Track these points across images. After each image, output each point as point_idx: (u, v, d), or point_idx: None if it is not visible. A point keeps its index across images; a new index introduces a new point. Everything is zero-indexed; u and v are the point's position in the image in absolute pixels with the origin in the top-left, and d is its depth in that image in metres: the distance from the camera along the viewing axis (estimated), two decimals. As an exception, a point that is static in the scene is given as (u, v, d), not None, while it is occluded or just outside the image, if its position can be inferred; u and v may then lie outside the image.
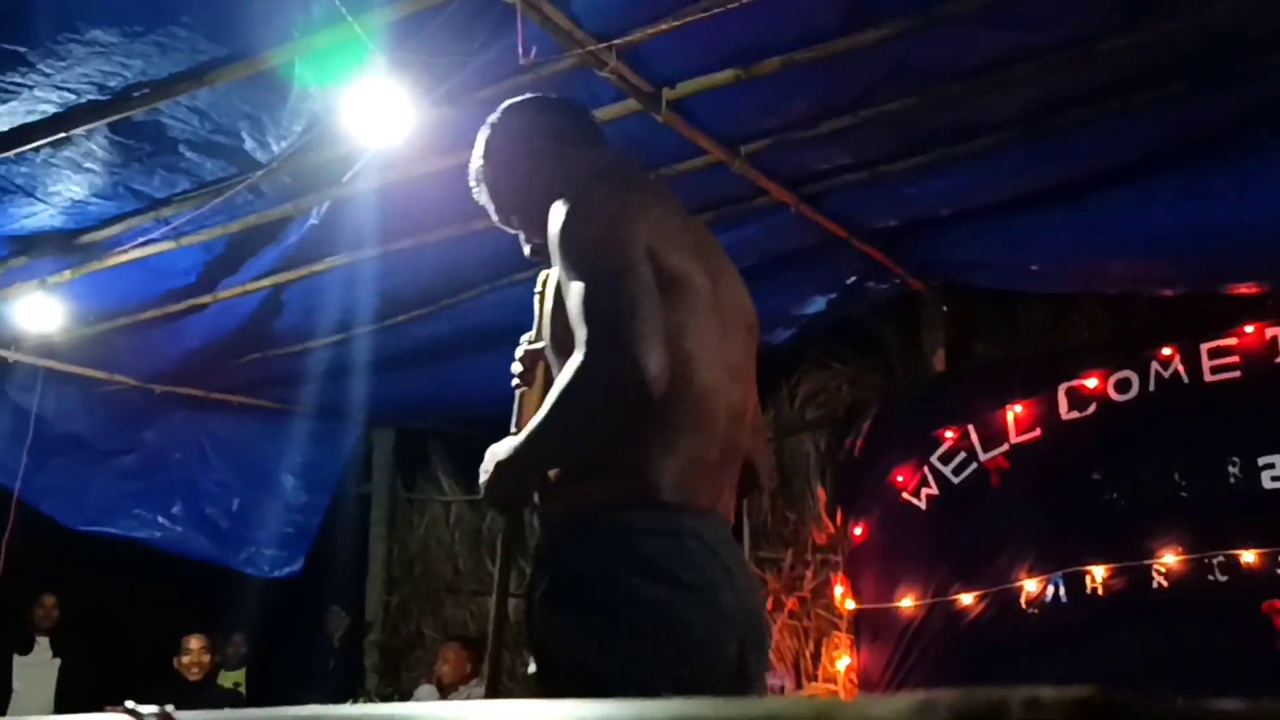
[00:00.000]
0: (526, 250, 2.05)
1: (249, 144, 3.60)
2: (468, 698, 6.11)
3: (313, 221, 4.21)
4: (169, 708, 0.57)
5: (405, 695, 6.64)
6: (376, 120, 3.23)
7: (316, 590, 7.04)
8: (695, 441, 1.66)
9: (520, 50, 3.04)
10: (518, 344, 1.99)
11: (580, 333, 1.59)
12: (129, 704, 0.58)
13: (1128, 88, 3.64)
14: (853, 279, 5.21)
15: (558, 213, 1.73)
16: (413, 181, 3.94)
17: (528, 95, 2.15)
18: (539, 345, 1.91)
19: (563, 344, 1.68)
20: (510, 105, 2.10)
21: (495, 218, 2.07)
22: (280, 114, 3.47)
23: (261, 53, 3.15)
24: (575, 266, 1.65)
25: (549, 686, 1.65)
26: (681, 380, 1.62)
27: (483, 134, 2.08)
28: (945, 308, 5.44)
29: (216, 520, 6.29)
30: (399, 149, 3.53)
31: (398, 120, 3.22)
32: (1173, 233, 4.32)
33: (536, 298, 1.94)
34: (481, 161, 2.06)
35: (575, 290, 1.63)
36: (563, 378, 1.60)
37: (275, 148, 3.63)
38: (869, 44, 3.29)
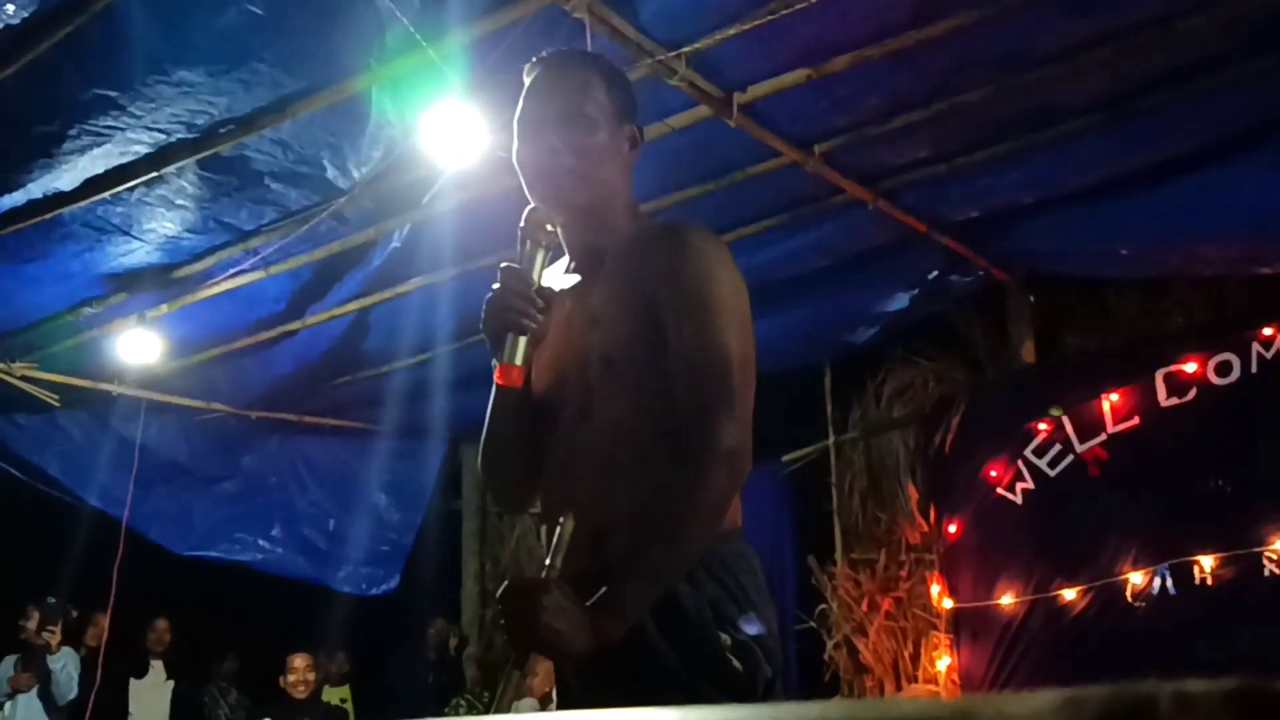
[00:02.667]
0: (538, 241, 1.73)
1: (331, 172, 3.69)
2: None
3: (395, 244, 4.29)
4: None
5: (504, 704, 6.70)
6: (453, 142, 3.28)
7: (413, 606, 7.15)
8: None
9: (590, 64, 3.06)
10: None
11: (709, 419, 1.53)
12: None
13: (1210, 66, 3.54)
14: (935, 273, 5.14)
15: (709, 249, 1.64)
16: (489, 200, 3.99)
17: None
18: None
19: (629, 374, 1.62)
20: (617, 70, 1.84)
21: (550, 180, 1.74)
22: (360, 141, 3.55)
23: (340, 83, 3.23)
24: (721, 334, 1.58)
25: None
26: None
27: (591, 72, 1.77)
28: (1032, 298, 5.34)
29: (314, 541, 6.43)
30: (475, 169, 3.58)
31: (473, 141, 3.27)
32: (1265, 210, 4.18)
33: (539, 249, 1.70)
34: (586, 108, 1.73)
35: (712, 361, 1.57)
36: (697, 488, 1.53)
37: (356, 174, 3.72)
38: (940, 36, 3.25)
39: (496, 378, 1.66)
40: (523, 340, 1.64)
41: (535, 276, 1.68)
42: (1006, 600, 4.84)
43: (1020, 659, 4.76)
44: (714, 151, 3.90)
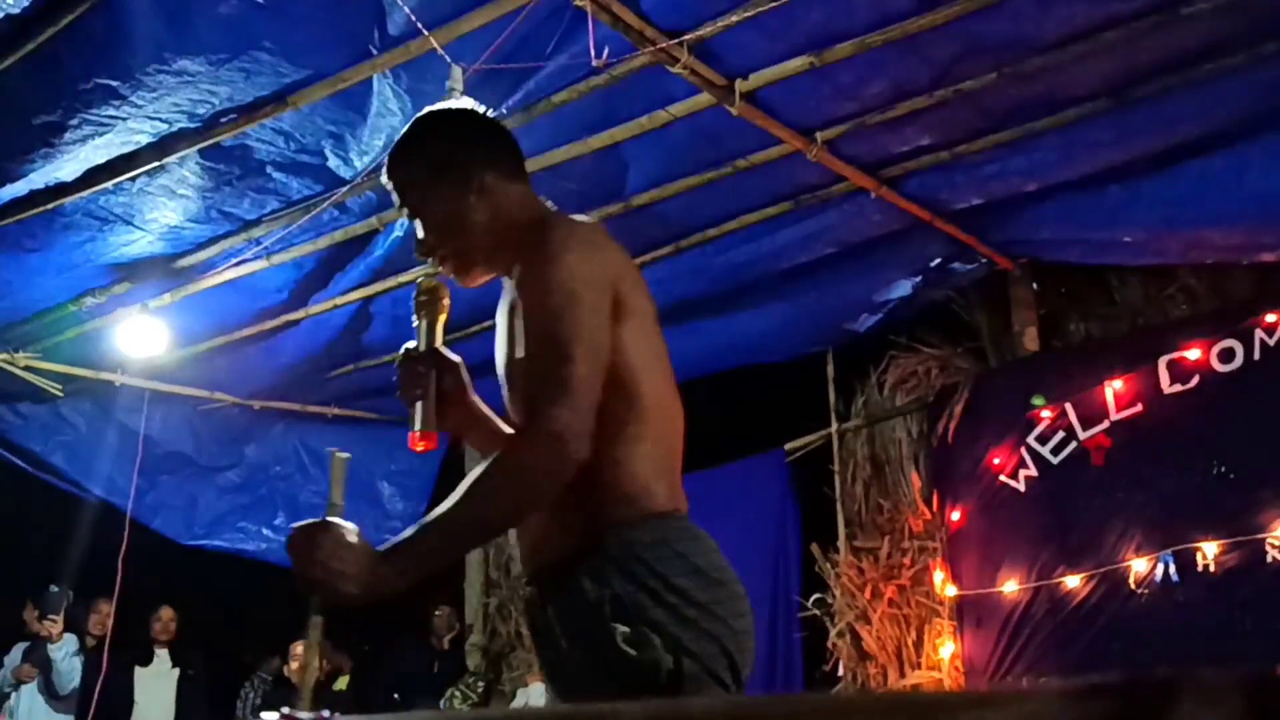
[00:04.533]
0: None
1: (332, 161, 3.68)
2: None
3: (397, 234, 4.29)
4: (324, 712, 0.59)
5: (506, 692, 6.72)
6: (455, 131, 3.27)
7: (416, 594, 7.16)
8: (670, 452, 1.72)
9: (592, 52, 3.06)
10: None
11: (538, 402, 1.56)
12: (285, 710, 0.60)
13: (1216, 51, 3.52)
14: (938, 261, 5.13)
15: (558, 236, 1.67)
16: (492, 189, 3.99)
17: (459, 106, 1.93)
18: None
19: (518, 383, 1.68)
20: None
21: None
22: (361, 130, 3.55)
23: (341, 71, 3.23)
24: (555, 321, 1.60)
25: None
26: (657, 404, 1.68)
27: (404, 164, 1.86)
28: (1035, 285, 5.33)
29: (318, 530, 6.43)
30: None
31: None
32: (1269, 197, 4.16)
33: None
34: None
35: (546, 349, 1.59)
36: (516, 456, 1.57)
37: (358, 163, 3.71)
38: (943, 22, 3.24)
39: (410, 445, 1.78)
40: (419, 406, 1.77)
41: (424, 344, 1.81)
42: (1010, 587, 4.85)
43: (1024, 646, 4.76)
44: (716, 140, 3.90)
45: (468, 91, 3.12)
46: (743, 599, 1.67)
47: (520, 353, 1.64)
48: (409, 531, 1.55)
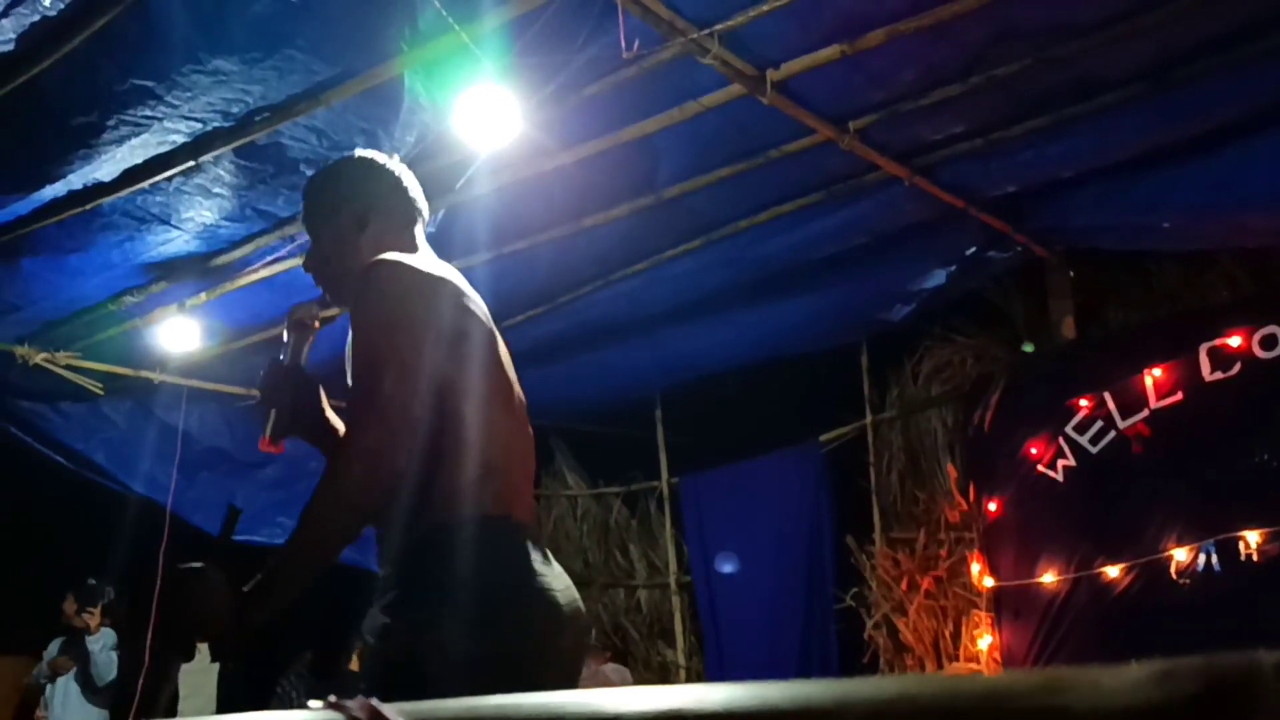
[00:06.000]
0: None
1: (365, 158, 3.69)
2: (606, 678, 6.24)
3: (430, 229, 4.29)
4: (373, 700, 0.59)
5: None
6: (486, 126, 3.28)
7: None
8: (496, 468, 1.81)
9: (623, 44, 3.05)
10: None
11: (353, 422, 1.73)
12: (332, 698, 0.60)
13: (1256, 32, 3.47)
14: (973, 250, 5.09)
15: (374, 275, 1.81)
16: (523, 183, 4.00)
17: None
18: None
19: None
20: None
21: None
22: (393, 127, 3.55)
23: (373, 68, 3.24)
24: (370, 349, 1.77)
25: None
26: (489, 422, 1.81)
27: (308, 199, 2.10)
28: (1072, 273, 5.27)
29: (354, 525, 6.48)
30: (508, 152, 3.58)
31: (506, 124, 3.26)
32: (1314, 179, 4.10)
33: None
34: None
35: (362, 373, 1.76)
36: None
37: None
38: (976, 7, 3.20)
39: (259, 446, 2.00)
40: (273, 415, 1.98)
41: (290, 360, 2.02)
42: (1049, 578, 4.80)
43: (1063, 637, 4.72)
44: (747, 130, 3.88)
45: (500, 85, 3.13)
46: (543, 608, 1.74)
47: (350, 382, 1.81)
48: (267, 570, 1.71)
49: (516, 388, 1.94)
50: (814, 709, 0.50)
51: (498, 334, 1.95)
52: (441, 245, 4.43)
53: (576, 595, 1.86)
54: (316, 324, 2.05)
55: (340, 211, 2.01)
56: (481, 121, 3.25)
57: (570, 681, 1.79)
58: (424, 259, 1.95)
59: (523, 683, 1.59)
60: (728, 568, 6.35)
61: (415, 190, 2.10)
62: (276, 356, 2.05)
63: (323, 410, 2.04)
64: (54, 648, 6.24)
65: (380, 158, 2.10)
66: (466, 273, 5.05)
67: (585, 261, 4.82)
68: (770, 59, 3.46)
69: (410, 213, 2.06)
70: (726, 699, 0.54)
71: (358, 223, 2.00)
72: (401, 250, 1.94)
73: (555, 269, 4.85)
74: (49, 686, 6.11)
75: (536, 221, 4.42)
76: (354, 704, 0.58)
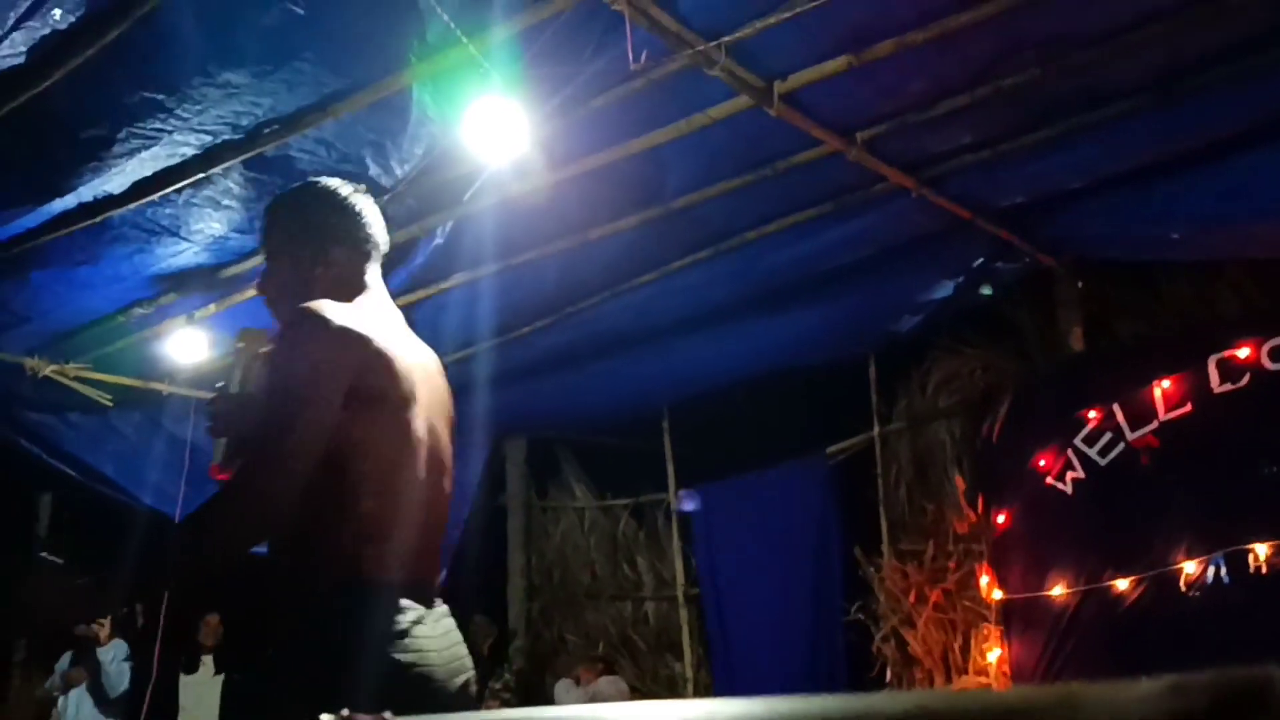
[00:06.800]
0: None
1: (373, 170, 3.71)
2: (599, 692, 6.24)
3: (438, 241, 4.31)
4: (386, 713, 0.59)
5: (548, 693, 6.74)
6: (494, 137, 3.29)
7: (460, 601, 7.19)
8: (398, 530, 1.85)
9: (630, 55, 3.06)
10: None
11: (244, 464, 1.78)
12: (345, 712, 0.60)
13: (1261, 44, 3.46)
14: (980, 261, 5.09)
15: (287, 326, 1.88)
16: (531, 195, 4.00)
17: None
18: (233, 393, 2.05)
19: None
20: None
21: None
22: (401, 139, 3.57)
23: (381, 80, 3.25)
24: (270, 396, 1.83)
25: None
26: (387, 480, 1.84)
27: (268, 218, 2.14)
28: (1080, 284, 5.26)
29: (362, 537, 6.48)
30: (516, 164, 3.59)
31: (514, 136, 3.27)
32: (1323, 190, 4.09)
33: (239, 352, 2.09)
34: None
35: (262, 419, 1.81)
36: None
37: (399, 172, 3.73)
38: (983, 18, 3.21)
39: (210, 474, 1.99)
40: (221, 443, 2.00)
41: (236, 386, 2.05)
42: (1058, 591, 4.78)
43: (1073, 651, 4.69)
44: (755, 141, 3.88)
45: (507, 96, 3.14)
46: (398, 679, 1.75)
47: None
48: (127, 568, 1.79)
49: (437, 443, 1.95)
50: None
51: (431, 384, 1.97)
52: (449, 257, 4.47)
53: (458, 656, 1.90)
54: (264, 349, 2.04)
55: (301, 240, 2.03)
56: (489, 133, 3.26)
57: None
58: (364, 305, 1.97)
59: None
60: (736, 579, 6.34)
61: (377, 224, 2.10)
62: (223, 384, 2.08)
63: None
64: (65, 660, 6.24)
65: (345, 189, 2.10)
66: (476, 284, 5.06)
67: (593, 273, 4.83)
68: (777, 70, 3.46)
69: (368, 248, 2.06)
70: (739, 713, 0.54)
71: (316, 253, 2.01)
72: (353, 287, 2.00)
73: (563, 280, 4.85)
74: (61, 699, 6.11)
75: (544, 233, 4.43)
76: (367, 718, 0.58)
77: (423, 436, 1.91)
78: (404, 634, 1.78)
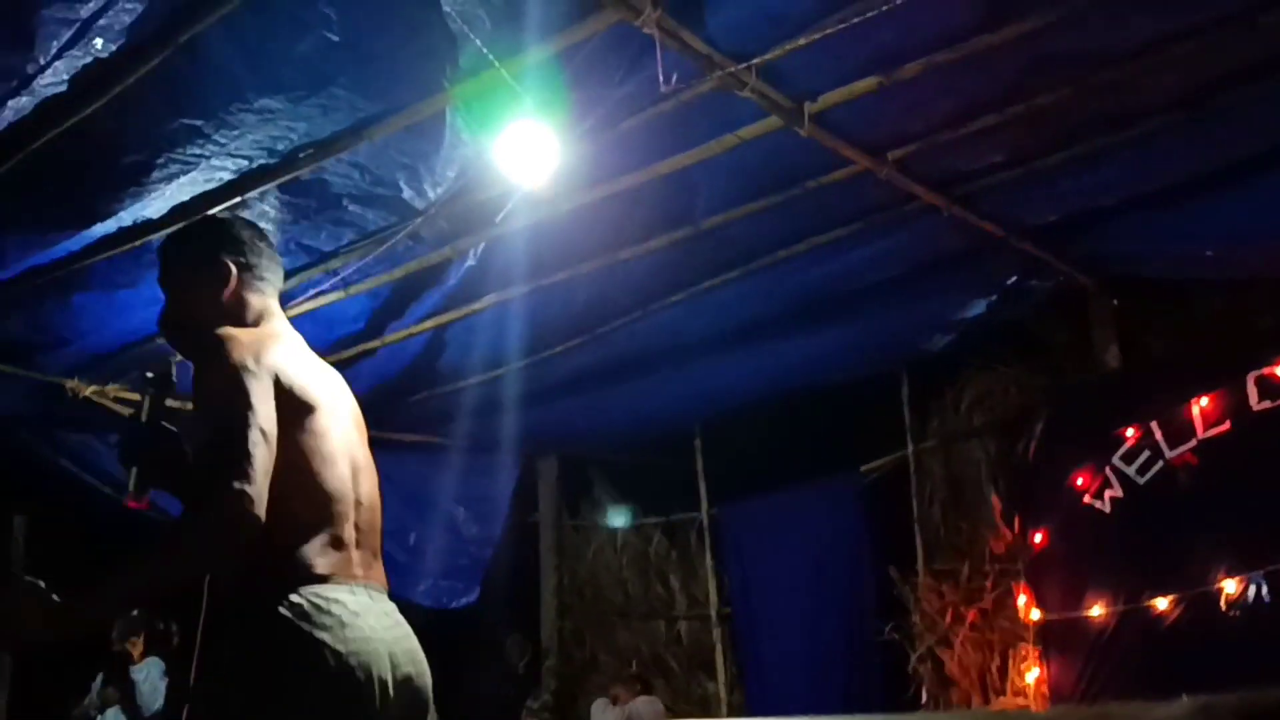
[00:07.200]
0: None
1: (407, 193, 3.75)
2: (636, 712, 6.22)
3: (470, 262, 4.34)
4: None
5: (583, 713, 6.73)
6: (525, 160, 3.31)
7: (492, 619, 7.21)
8: (330, 531, 1.94)
9: (660, 78, 3.08)
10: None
11: (208, 487, 1.82)
12: None
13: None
14: (1013, 279, 5.06)
15: (204, 353, 1.96)
16: (562, 216, 4.03)
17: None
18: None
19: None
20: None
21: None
22: (434, 161, 3.61)
23: (415, 105, 3.29)
24: (204, 419, 1.92)
25: None
26: (315, 484, 1.93)
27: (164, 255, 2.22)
28: (1115, 301, 5.22)
29: (394, 555, 6.51)
30: (547, 186, 3.61)
31: (546, 158, 3.30)
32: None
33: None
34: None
35: (203, 444, 1.90)
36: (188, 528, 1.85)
37: (431, 194, 3.77)
38: (1013, 38, 3.20)
39: (125, 503, 2.09)
40: (133, 473, 2.09)
41: (145, 417, 2.13)
42: (1096, 611, 4.72)
43: (1112, 671, 4.63)
44: (785, 161, 3.89)
45: (539, 120, 3.16)
46: (355, 656, 1.85)
47: (198, 437, 1.92)
48: (92, 589, 1.82)
49: (355, 451, 2.05)
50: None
51: (340, 398, 2.08)
52: (482, 278, 4.50)
53: (409, 650, 1.97)
54: (174, 381, 2.16)
55: (200, 271, 2.11)
56: (522, 156, 3.29)
57: (404, 715, 1.92)
58: (266, 329, 2.09)
59: None
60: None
61: (269, 254, 2.20)
62: (131, 415, 2.18)
63: (184, 460, 2.11)
64: (99, 680, 6.29)
65: (239, 221, 2.25)
66: (508, 304, 5.10)
67: (623, 293, 4.85)
68: (808, 91, 3.47)
69: (263, 274, 2.15)
70: None
71: (217, 283, 2.10)
72: (253, 312, 2.11)
73: (593, 300, 4.87)
74: (99, 717, 6.16)
75: (575, 253, 4.45)
76: None
77: (340, 445, 2.01)
78: (345, 625, 1.86)
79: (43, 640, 1.80)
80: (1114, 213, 4.45)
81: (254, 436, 1.83)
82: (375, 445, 2.15)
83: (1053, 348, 5.57)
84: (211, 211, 2.28)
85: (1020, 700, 5.08)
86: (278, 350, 1.97)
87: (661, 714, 6.32)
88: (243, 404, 1.85)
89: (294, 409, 1.93)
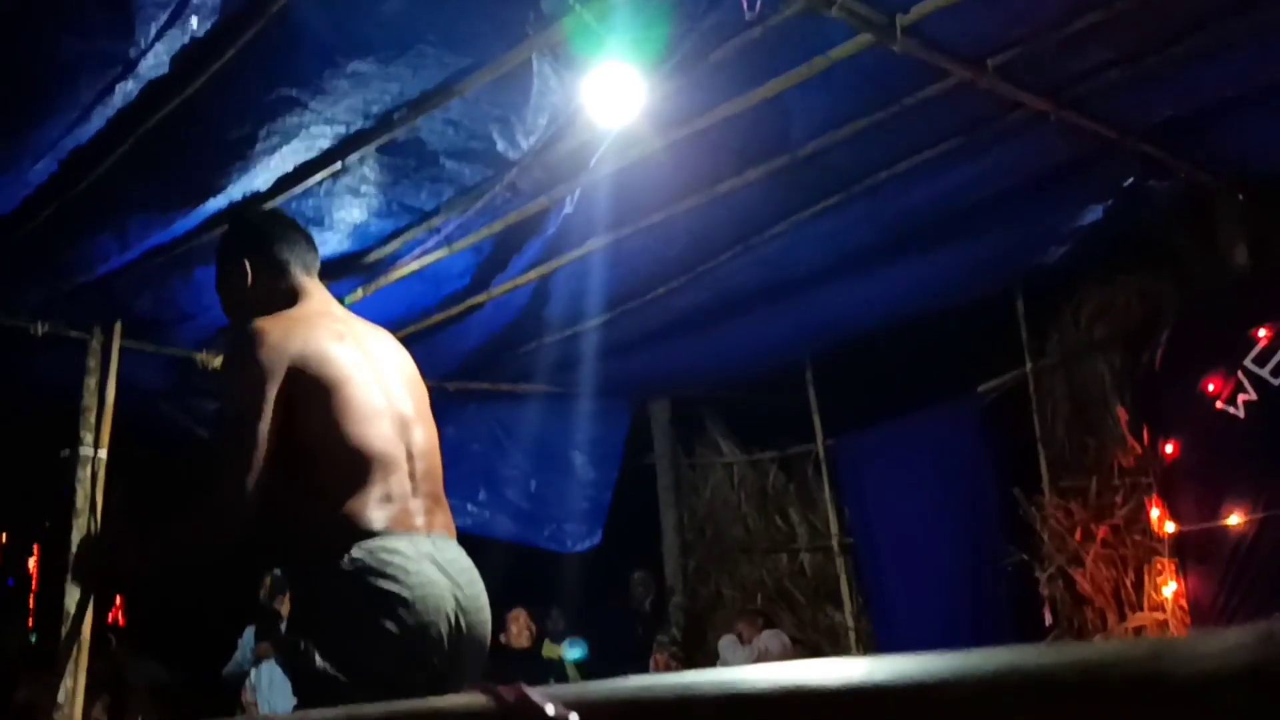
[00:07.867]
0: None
1: (500, 144, 3.77)
2: (764, 648, 6.25)
3: (568, 210, 4.36)
4: (521, 685, 0.61)
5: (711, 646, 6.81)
6: (614, 102, 3.29)
7: (616, 560, 7.33)
8: (387, 482, 2.08)
9: (745, 5, 3.01)
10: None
11: (212, 476, 2.05)
12: (520, 684, 0.63)
13: None
14: (1130, 182, 4.84)
15: (229, 346, 2.21)
16: (655, 155, 4.00)
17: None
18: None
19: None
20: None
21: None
22: (525, 111, 3.61)
23: (501, 55, 3.29)
24: (220, 411, 2.22)
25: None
26: (354, 447, 2.07)
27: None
28: (1241, 199, 4.96)
29: (518, 502, 6.67)
30: (638, 126, 3.59)
31: (634, 98, 3.27)
32: None
33: None
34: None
35: (218, 435, 2.18)
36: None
37: (525, 144, 3.78)
38: (1118, -74, 3.03)
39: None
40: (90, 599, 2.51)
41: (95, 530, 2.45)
42: (1234, 520, 4.57)
43: (1253, 580, 4.48)
44: (880, 79, 3.78)
45: (625, 60, 3.13)
46: (421, 602, 1.99)
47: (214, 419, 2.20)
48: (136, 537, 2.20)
49: (400, 405, 2.19)
50: (916, 685, 0.50)
51: (383, 357, 2.26)
52: (580, 225, 4.51)
53: (474, 594, 2.11)
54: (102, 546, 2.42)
55: (230, 275, 2.35)
56: (610, 98, 3.27)
57: (468, 654, 2.07)
58: (300, 309, 2.26)
59: (401, 676, 1.91)
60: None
61: (288, 234, 2.38)
62: (66, 452, 2.43)
63: (139, 553, 2.28)
64: (249, 635, 6.61)
65: (257, 216, 2.56)
66: (608, 249, 5.10)
67: (723, 229, 4.80)
68: (899, 4, 3.36)
69: (284, 255, 2.33)
70: (842, 676, 0.54)
71: (240, 281, 2.32)
72: (289, 290, 2.30)
73: (693, 239, 4.84)
74: (254, 670, 6.47)
75: (672, 192, 4.42)
76: (506, 690, 0.61)
77: (380, 405, 2.14)
78: (408, 573, 1.99)
79: (116, 576, 2.12)
80: (1238, 106, 4.20)
81: (252, 440, 2.01)
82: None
83: (1176, 252, 5.34)
84: (237, 213, 2.59)
85: (1158, 615, 4.96)
86: (302, 335, 2.13)
87: (789, 647, 6.36)
88: (251, 411, 2.03)
89: (319, 387, 2.08)
